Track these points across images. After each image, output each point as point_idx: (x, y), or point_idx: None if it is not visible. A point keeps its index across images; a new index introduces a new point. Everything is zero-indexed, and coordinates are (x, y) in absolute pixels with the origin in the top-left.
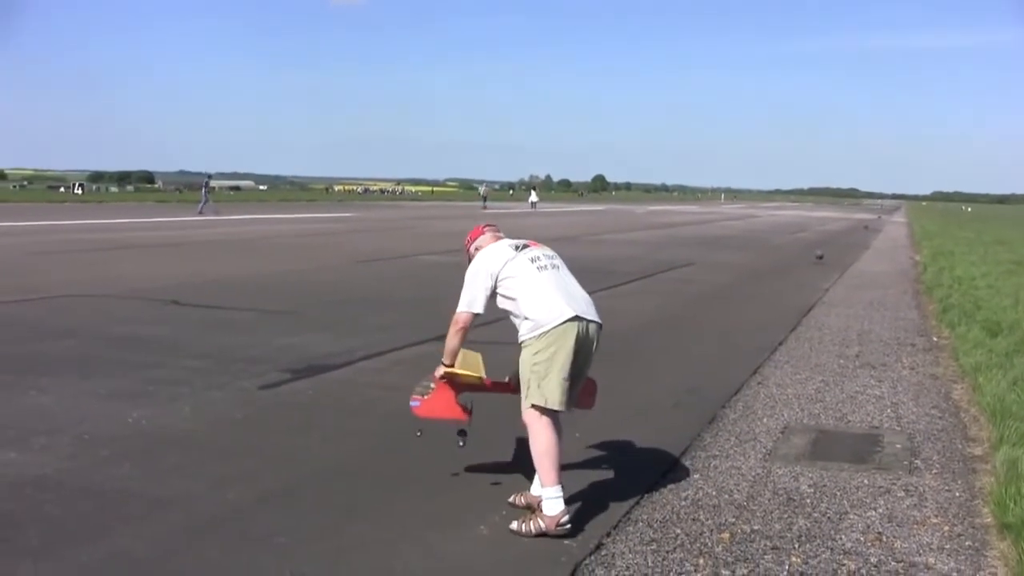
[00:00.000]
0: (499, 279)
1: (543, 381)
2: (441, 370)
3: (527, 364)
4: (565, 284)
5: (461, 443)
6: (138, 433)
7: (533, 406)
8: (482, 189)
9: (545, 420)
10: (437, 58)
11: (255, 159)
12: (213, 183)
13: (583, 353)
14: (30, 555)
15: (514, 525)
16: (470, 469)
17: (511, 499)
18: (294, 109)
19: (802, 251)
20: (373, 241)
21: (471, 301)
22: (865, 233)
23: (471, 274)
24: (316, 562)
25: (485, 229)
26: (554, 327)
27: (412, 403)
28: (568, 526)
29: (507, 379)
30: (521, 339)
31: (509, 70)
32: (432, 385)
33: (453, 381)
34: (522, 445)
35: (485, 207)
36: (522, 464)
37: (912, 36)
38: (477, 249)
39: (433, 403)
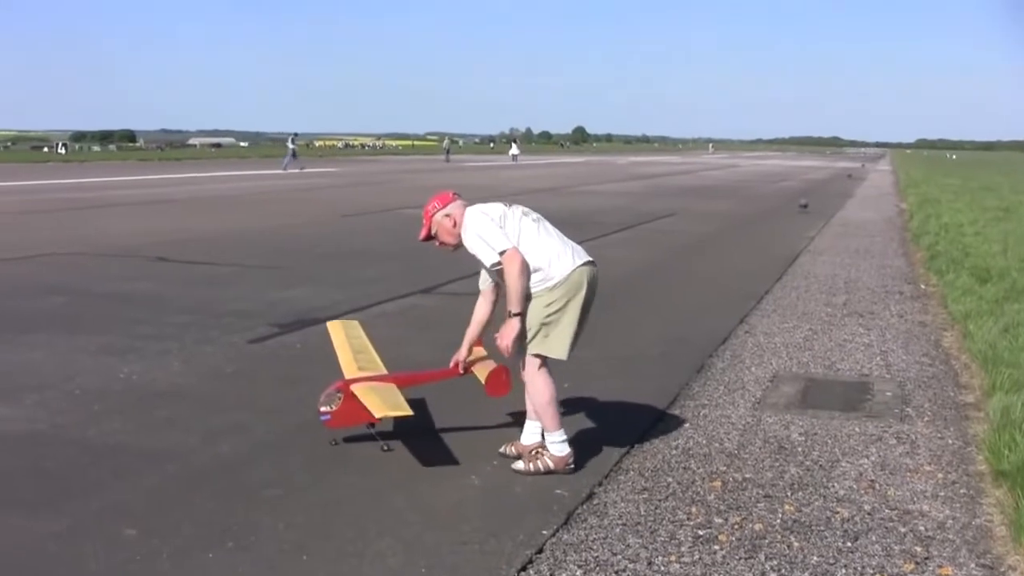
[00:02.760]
0: (501, 227)
1: (553, 332)
2: (515, 324)
3: (537, 315)
4: (562, 235)
5: (385, 447)
6: (129, 388)
7: (536, 355)
8: (444, 142)
9: (545, 369)
10: (415, 9)
11: (236, 116)
12: (194, 140)
13: (590, 302)
14: (25, 509)
15: (519, 465)
16: (457, 423)
17: (502, 449)
18: (274, 65)
19: (786, 200)
20: (357, 196)
21: (506, 239)
22: (849, 182)
23: (479, 226)
24: (308, 513)
25: (454, 196)
26: (566, 276)
27: (322, 417)
28: (572, 466)
29: (452, 363)
30: (532, 290)
31: (487, 21)
32: (339, 395)
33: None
34: (505, 401)
35: (448, 160)
36: (506, 417)
37: None
38: (448, 216)
39: (344, 413)
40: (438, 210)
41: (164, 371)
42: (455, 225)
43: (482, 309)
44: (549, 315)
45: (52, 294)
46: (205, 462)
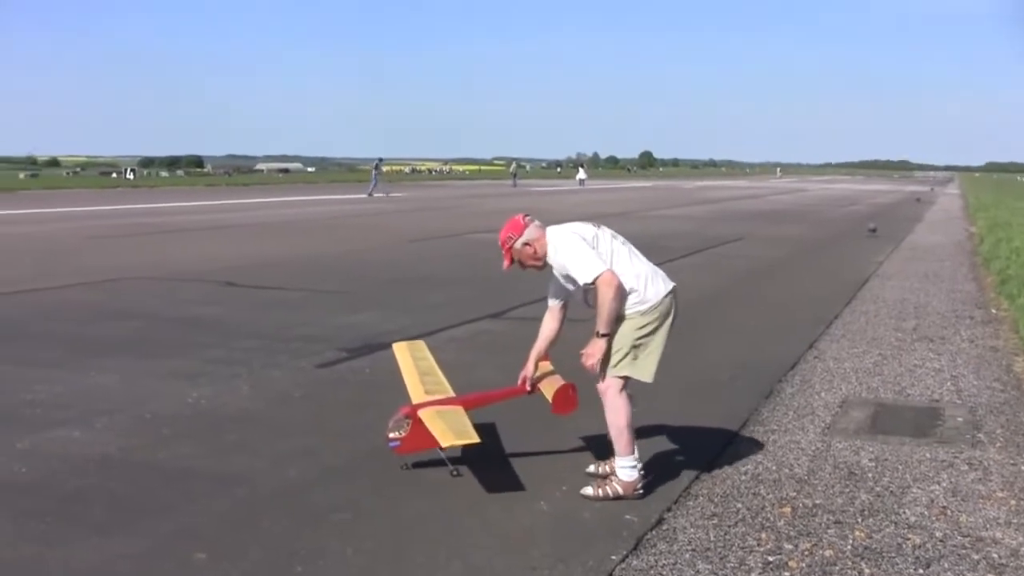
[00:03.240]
0: (594, 248)
1: (642, 354)
2: (602, 344)
3: (628, 336)
4: (647, 260)
5: (455, 472)
6: (198, 412)
7: (620, 378)
8: (512, 167)
9: (625, 392)
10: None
11: (304, 142)
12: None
13: (671, 327)
14: (97, 531)
15: (589, 491)
16: (527, 447)
17: (590, 469)
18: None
19: (854, 224)
20: (423, 220)
21: (600, 261)
22: (918, 206)
23: (572, 247)
24: (377, 537)
25: (526, 220)
26: (660, 300)
27: (391, 444)
28: (641, 491)
29: (520, 382)
30: (625, 311)
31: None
32: (408, 421)
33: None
34: (576, 425)
35: (515, 185)
36: (578, 441)
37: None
38: (527, 244)
39: (413, 438)
40: (514, 240)
41: (233, 395)
42: (535, 252)
43: (549, 325)
44: (640, 337)
45: (122, 319)
46: (274, 486)
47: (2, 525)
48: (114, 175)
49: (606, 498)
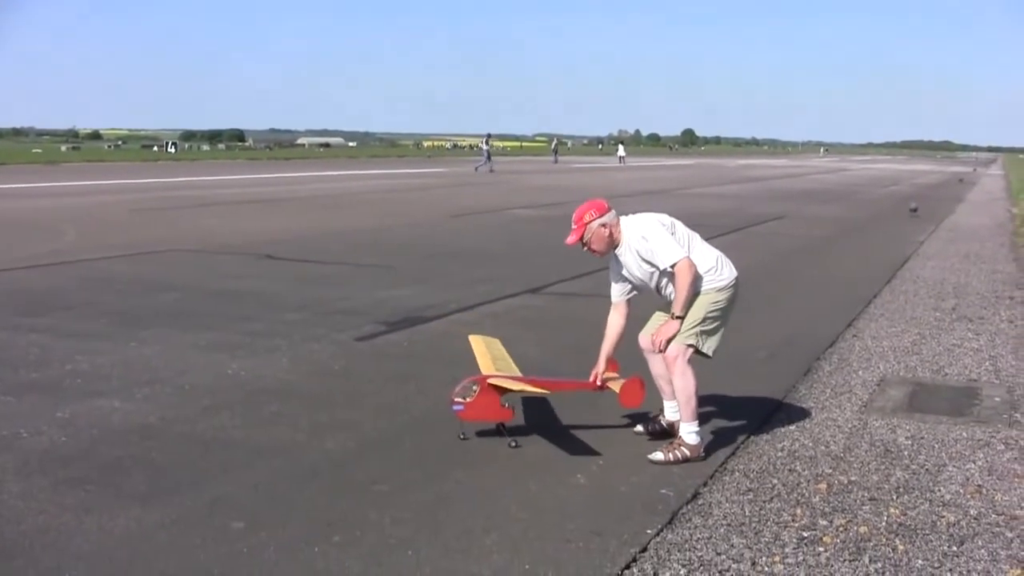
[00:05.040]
0: (672, 234)
1: (712, 328)
2: (676, 325)
3: (702, 309)
4: None
5: (513, 443)
6: (238, 384)
7: (690, 347)
8: (553, 144)
9: (692, 362)
10: (525, 11)
11: (345, 116)
12: (302, 140)
13: None
14: (137, 499)
15: (659, 456)
16: (567, 421)
17: (639, 428)
18: (382, 66)
19: (895, 204)
20: (465, 196)
21: (679, 248)
22: (960, 186)
23: (653, 232)
24: (415, 509)
25: (609, 207)
26: (732, 281)
27: (455, 407)
28: (704, 455)
29: (592, 377)
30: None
31: (597, 23)
32: (475, 388)
33: (498, 387)
34: (614, 401)
35: (556, 161)
36: (621, 419)
37: None
38: (604, 226)
39: (477, 405)
40: (595, 219)
41: (272, 367)
42: (611, 236)
43: (617, 322)
44: (712, 312)
45: (163, 290)
46: (312, 458)
47: (43, 493)
48: (155, 148)
49: (675, 461)
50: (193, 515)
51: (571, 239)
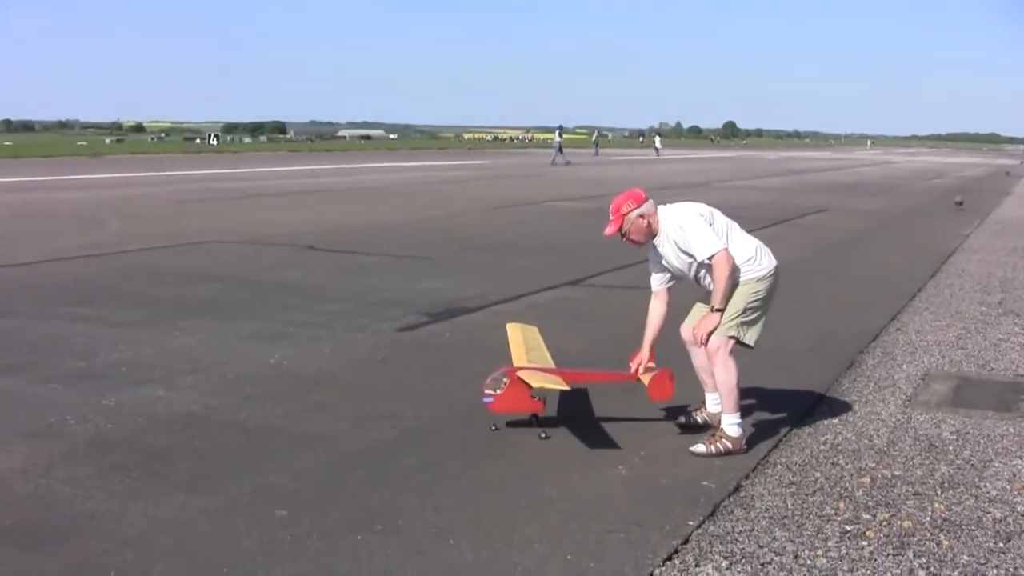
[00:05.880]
0: (710, 225)
1: (753, 318)
2: (717, 319)
3: (742, 300)
4: None
5: (543, 435)
6: (280, 373)
7: (731, 338)
8: (593, 136)
9: (734, 354)
10: (567, 4)
11: (385, 109)
12: (343, 132)
13: None
14: (181, 486)
15: (700, 448)
16: (608, 413)
17: (680, 419)
18: (423, 58)
19: (940, 197)
20: (505, 188)
21: (717, 239)
22: (1006, 179)
23: (691, 222)
24: (457, 498)
25: (646, 196)
26: (772, 271)
27: (485, 399)
28: (746, 447)
29: (633, 368)
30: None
31: (640, 15)
32: (505, 380)
33: (526, 381)
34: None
35: (597, 154)
36: (658, 412)
37: None
38: (642, 217)
39: (507, 397)
40: (632, 209)
41: (315, 357)
42: (649, 226)
43: (658, 311)
44: (752, 302)
45: (206, 281)
46: (354, 447)
47: (90, 479)
48: (198, 140)
49: (717, 454)
50: (236, 503)
51: (610, 230)
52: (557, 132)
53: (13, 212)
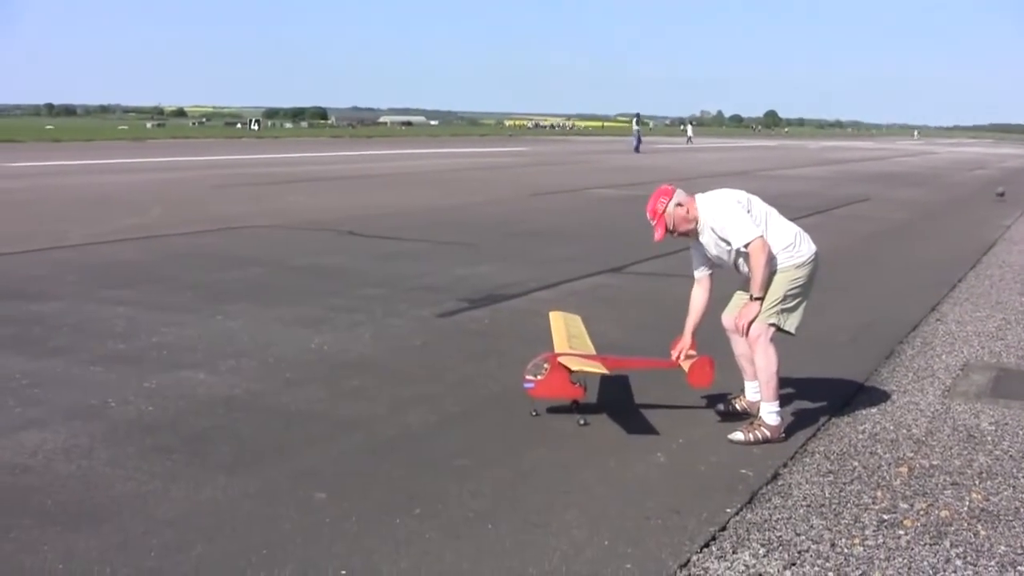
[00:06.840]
0: (748, 212)
1: (793, 305)
2: (756, 307)
3: (782, 288)
4: None
5: (582, 421)
6: (321, 358)
7: (772, 326)
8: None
9: (774, 341)
10: None
11: (427, 95)
12: (384, 118)
13: None
14: (221, 469)
15: (739, 436)
16: (647, 400)
17: (720, 407)
18: (465, 45)
19: (982, 188)
20: (546, 175)
21: (754, 227)
22: None
23: (730, 211)
24: (496, 483)
25: (675, 187)
26: (812, 257)
27: (526, 384)
28: (785, 435)
29: (675, 356)
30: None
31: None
32: (546, 366)
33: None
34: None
35: (638, 150)
36: (699, 400)
37: None
38: (680, 205)
39: (548, 383)
40: (666, 204)
41: (355, 342)
42: (688, 212)
43: (700, 297)
44: (792, 289)
45: (247, 265)
46: (394, 431)
47: (131, 461)
48: (239, 126)
49: (756, 442)
50: (277, 486)
51: (658, 235)
52: (635, 120)
53: (58, 195)
